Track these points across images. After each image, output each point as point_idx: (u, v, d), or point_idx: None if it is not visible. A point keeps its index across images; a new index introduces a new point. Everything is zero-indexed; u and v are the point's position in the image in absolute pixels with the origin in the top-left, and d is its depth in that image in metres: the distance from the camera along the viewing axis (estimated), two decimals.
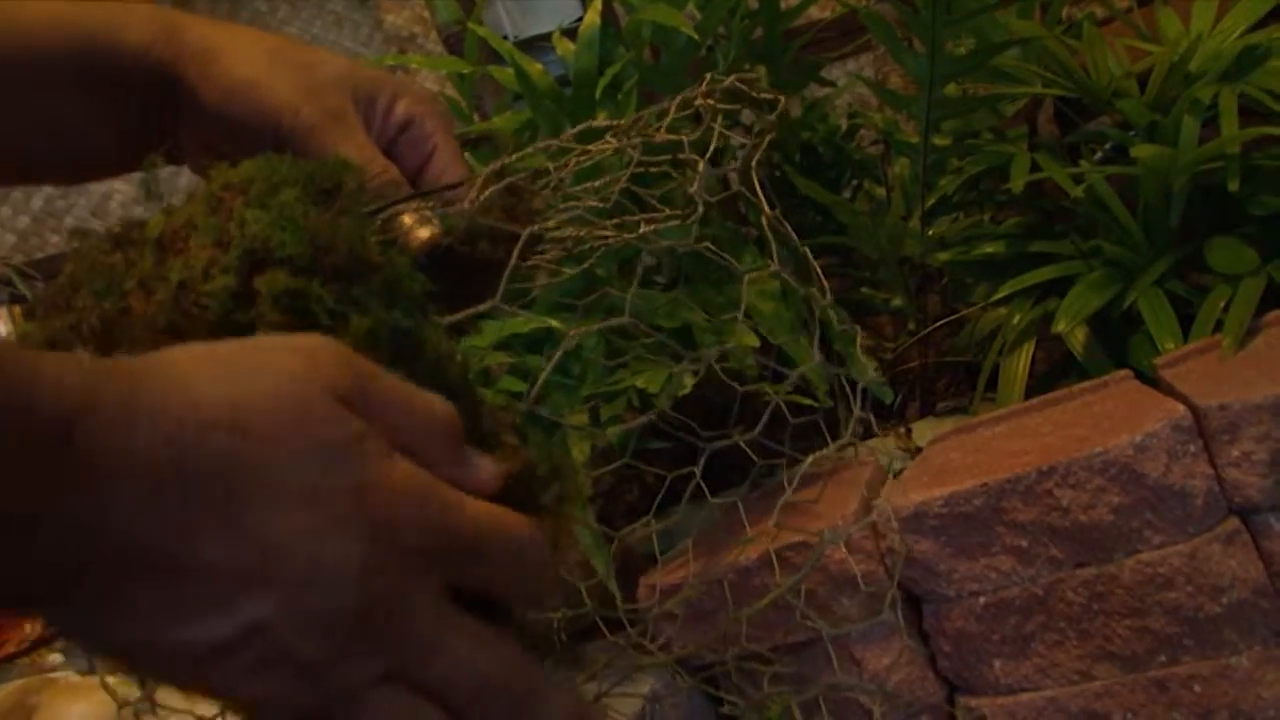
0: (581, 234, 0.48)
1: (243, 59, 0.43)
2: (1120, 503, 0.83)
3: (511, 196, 0.44)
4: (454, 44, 1.42)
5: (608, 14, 1.09)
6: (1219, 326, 0.97)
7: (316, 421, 0.31)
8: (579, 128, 0.49)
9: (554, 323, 0.93)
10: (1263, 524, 0.83)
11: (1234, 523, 0.83)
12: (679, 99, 0.50)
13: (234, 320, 0.35)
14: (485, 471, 0.36)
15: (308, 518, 0.30)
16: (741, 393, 1.03)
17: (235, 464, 0.29)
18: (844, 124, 1.38)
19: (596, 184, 0.49)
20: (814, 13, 1.82)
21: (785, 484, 0.90)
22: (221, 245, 0.35)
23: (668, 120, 0.49)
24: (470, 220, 0.43)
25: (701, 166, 0.48)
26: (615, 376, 1.02)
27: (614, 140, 0.49)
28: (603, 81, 1.00)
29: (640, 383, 0.97)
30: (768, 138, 0.51)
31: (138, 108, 0.45)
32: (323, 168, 0.39)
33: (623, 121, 0.49)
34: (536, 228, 0.43)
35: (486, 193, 0.44)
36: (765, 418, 0.81)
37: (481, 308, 0.41)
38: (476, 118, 1.35)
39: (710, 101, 0.50)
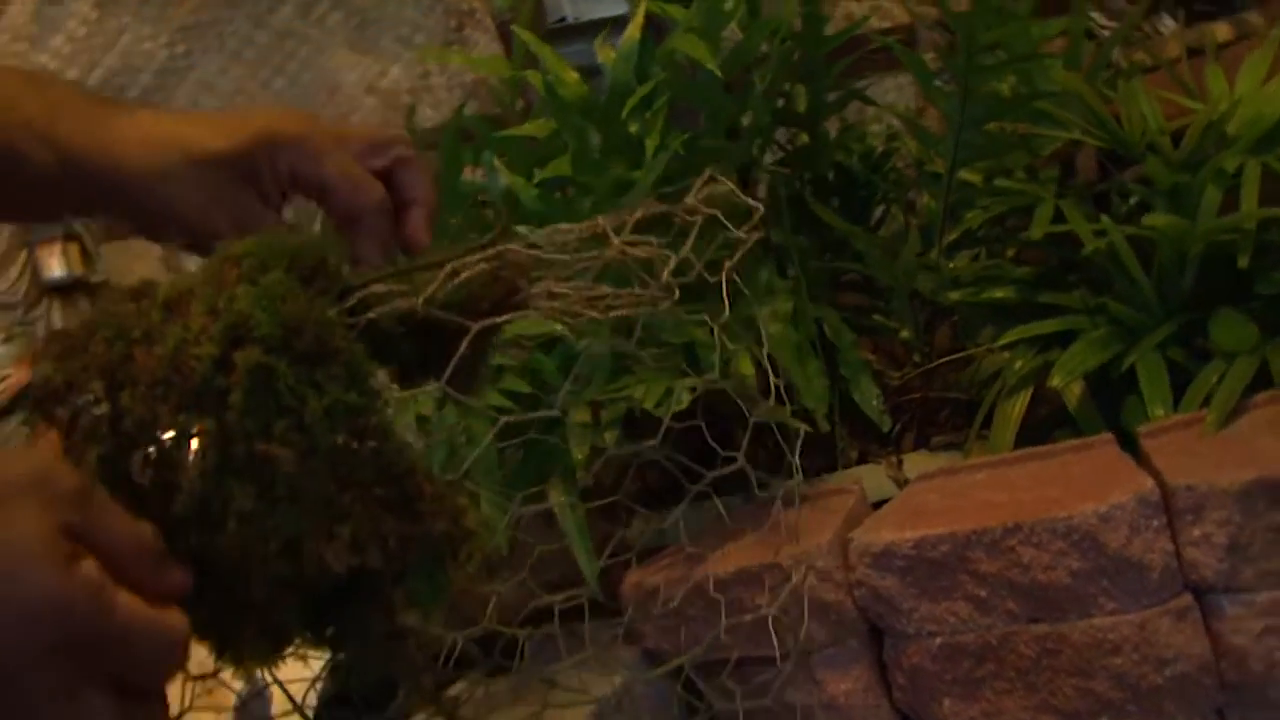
0: (564, 309, 0.52)
1: (133, 178, 0.49)
2: (1079, 567, 0.86)
3: (495, 280, 0.48)
4: (506, 31, 1.45)
5: (650, 26, 1.12)
6: (1210, 399, 0.98)
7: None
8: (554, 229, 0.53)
9: (559, 327, 0.97)
10: (1215, 604, 0.86)
11: (1187, 599, 0.86)
12: (660, 210, 0.53)
13: (214, 384, 0.40)
14: (176, 579, 0.42)
15: None
16: (745, 407, 1.07)
17: None
18: (880, 146, 1.40)
19: (585, 256, 0.53)
20: (874, 22, 1.83)
21: (784, 500, 0.94)
22: (213, 314, 0.41)
23: (628, 225, 0.53)
24: (449, 294, 0.47)
25: (668, 272, 0.51)
26: (619, 382, 1.05)
27: (607, 235, 0.53)
28: (631, 101, 1.03)
29: (639, 394, 1.01)
30: (754, 238, 0.55)
31: (52, 205, 0.51)
32: (308, 246, 0.44)
33: (602, 223, 0.52)
34: (507, 317, 0.47)
35: (467, 273, 0.48)
36: (745, 442, 0.84)
37: (430, 387, 0.45)
38: (520, 104, 1.39)
39: (693, 211, 0.54)
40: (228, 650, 0.44)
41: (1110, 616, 0.86)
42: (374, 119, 1.87)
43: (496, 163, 1.10)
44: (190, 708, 0.47)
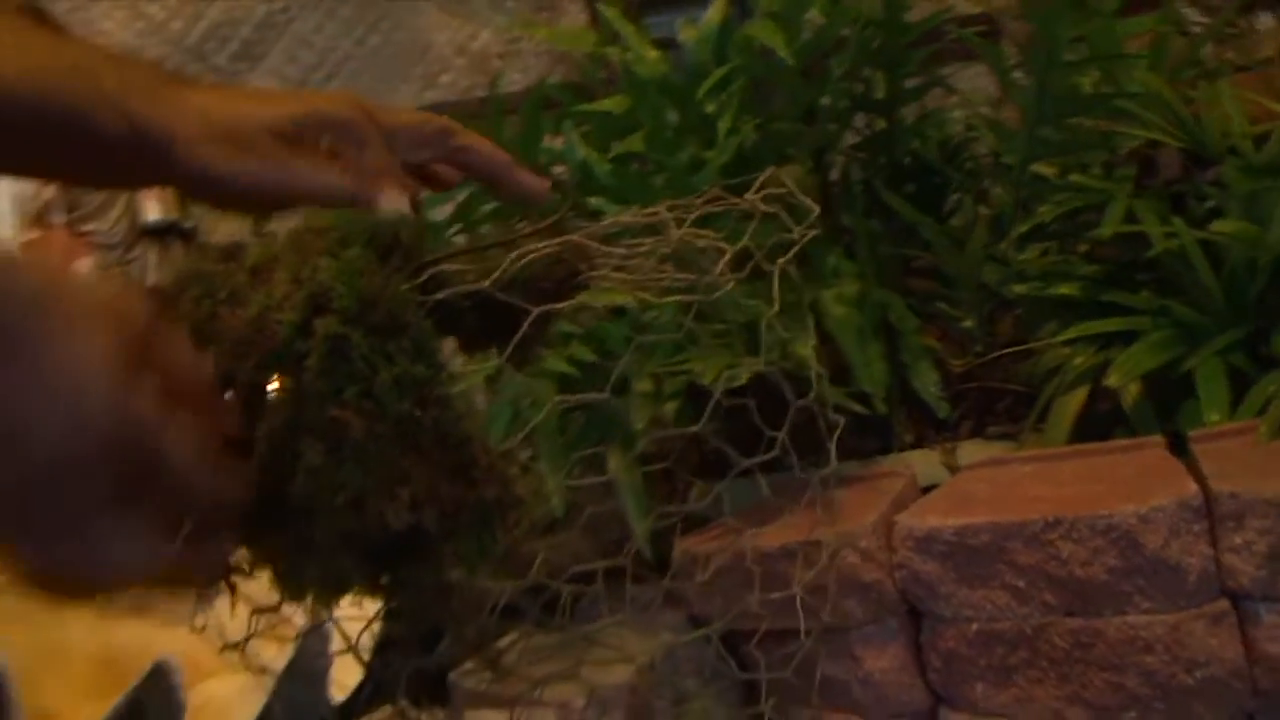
0: (621, 292, 0.55)
1: (184, 143, 0.53)
2: (1116, 565, 0.88)
3: (557, 263, 0.52)
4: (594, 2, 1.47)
5: (737, 3, 1.14)
6: (1267, 408, 0.99)
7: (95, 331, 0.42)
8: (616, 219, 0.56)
9: (625, 298, 1.00)
10: (1251, 611, 0.87)
11: (1224, 604, 0.87)
12: (720, 206, 0.56)
13: (294, 347, 0.45)
14: (227, 414, 0.47)
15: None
16: (802, 385, 1.10)
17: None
18: (958, 135, 1.41)
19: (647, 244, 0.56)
20: (963, 8, 1.81)
21: (820, 482, 0.97)
22: (297, 282, 0.45)
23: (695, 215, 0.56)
24: (513, 274, 0.51)
25: (723, 263, 0.54)
26: (681, 356, 1.09)
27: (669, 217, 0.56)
28: (708, 83, 1.05)
29: (698, 368, 1.04)
30: (810, 235, 0.58)
31: (124, 172, 0.55)
32: (385, 225, 0.48)
33: (662, 211, 0.56)
34: (555, 305, 0.51)
35: (528, 254, 0.51)
36: (786, 424, 0.87)
37: (488, 365, 0.49)
38: (604, 74, 1.42)
39: (757, 202, 0.57)
40: (290, 585, 0.48)
41: (1145, 615, 0.88)
42: (463, 80, 1.91)
43: (574, 135, 1.14)
44: (255, 634, 0.51)
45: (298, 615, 0.95)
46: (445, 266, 0.50)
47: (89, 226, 1.68)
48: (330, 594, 0.49)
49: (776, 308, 0.60)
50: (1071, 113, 1.17)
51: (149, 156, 0.54)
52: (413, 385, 0.45)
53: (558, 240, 0.52)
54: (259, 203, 0.53)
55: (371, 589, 0.49)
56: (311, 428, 0.44)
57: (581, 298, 0.53)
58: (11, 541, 0.43)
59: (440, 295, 0.48)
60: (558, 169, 1.29)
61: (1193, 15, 1.63)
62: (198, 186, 0.54)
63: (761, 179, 0.58)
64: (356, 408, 0.44)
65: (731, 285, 0.55)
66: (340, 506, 0.45)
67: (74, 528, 0.42)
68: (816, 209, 0.60)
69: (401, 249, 0.48)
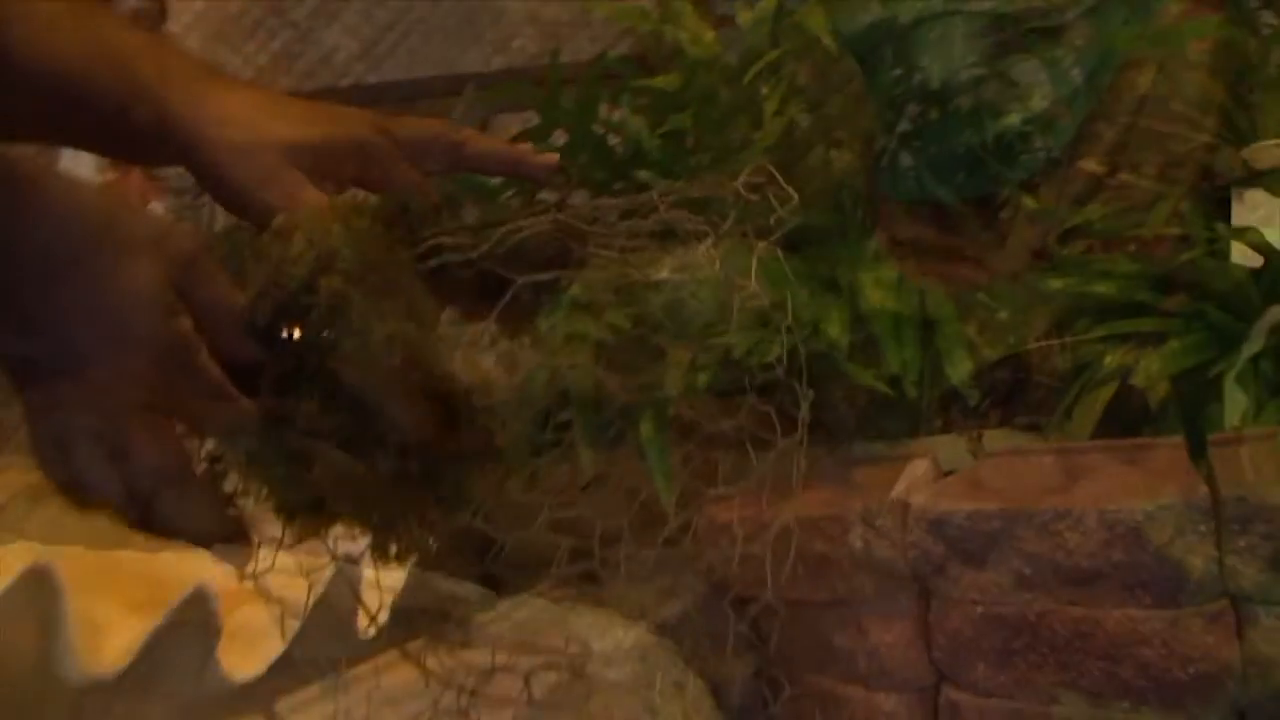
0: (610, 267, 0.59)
1: (208, 148, 0.57)
2: (1120, 559, 0.90)
3: (551, 240, 0.56)
4: None
5: None
6: None
7: (140, 270, 0.48)
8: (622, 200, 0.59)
9: (665, 274, 1.03)
10: (1251, 613, 0.89)
11: (1223, 605, 0.89)
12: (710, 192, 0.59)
13: (302, 300, 0.49)
14: (252, 348, 0.52)
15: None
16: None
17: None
18: (1013, 127, 1.41)
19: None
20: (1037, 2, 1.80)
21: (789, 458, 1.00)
22: (310, 244, 0.50)
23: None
24: (509, 248, 0.55)
25: (707, 243, 0.57)
26: (714, 329, 1.11)
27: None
28: (756, 66, 1.08)
29: (732, 340, 1.07)
30: (794, 222, 0.60)
31: (149, 155, 0.59)
32: (390, 200, 0.53)
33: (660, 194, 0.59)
34: (536, 276, 0.55)
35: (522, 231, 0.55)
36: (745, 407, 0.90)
37: (483, 324, 0.53)
38: (665, 49, 1.44)
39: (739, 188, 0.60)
40: (286, 513, 0.53)
41: (1144, 609, 0.90)
42: (532, 47, 1.96)
43: (627, 109, 1.17)
44: (270, 569, 0.56)
45: (329, 551, 1.00)
46: (444, 240, 0.54)
47: (163, 171, 1.76)
48: (321, 525, 0.54)
49: (753, 285, 0.63)
50: (1123, 111, 1.17)
51: (171, 146, 0.58)
52: (404, 343, 0.50)
53: (547, 218, 0.56)
54: (257, 219, 0.57)
55: (359, 524, 0.54)
56: (310, 378, 0.49)
57: (566, 272, 0.57)
58: (59, 447, 0.48)
59: (432, 262, 0.53)
60: (613, 139, 1.33)
61: (1268, 18, 1.61)
62: (208, 186, 0.58)
63: (748, 170, 0.61)
64: (352, 360, 0.48)
65: (717, 265, 0.59)
66: (333, 449, 0.50)
67: (114, 431, 0.48)
68: (795, 196, 0.63)
69: (407, 220, 0.53)
